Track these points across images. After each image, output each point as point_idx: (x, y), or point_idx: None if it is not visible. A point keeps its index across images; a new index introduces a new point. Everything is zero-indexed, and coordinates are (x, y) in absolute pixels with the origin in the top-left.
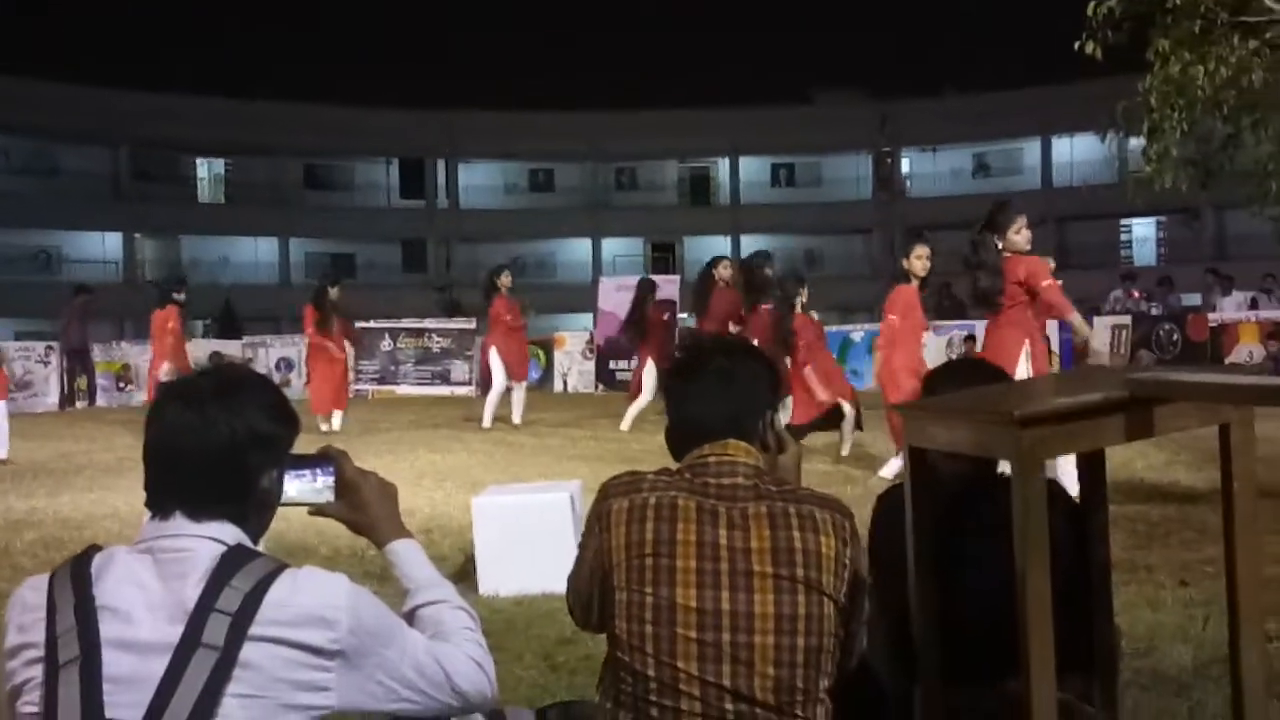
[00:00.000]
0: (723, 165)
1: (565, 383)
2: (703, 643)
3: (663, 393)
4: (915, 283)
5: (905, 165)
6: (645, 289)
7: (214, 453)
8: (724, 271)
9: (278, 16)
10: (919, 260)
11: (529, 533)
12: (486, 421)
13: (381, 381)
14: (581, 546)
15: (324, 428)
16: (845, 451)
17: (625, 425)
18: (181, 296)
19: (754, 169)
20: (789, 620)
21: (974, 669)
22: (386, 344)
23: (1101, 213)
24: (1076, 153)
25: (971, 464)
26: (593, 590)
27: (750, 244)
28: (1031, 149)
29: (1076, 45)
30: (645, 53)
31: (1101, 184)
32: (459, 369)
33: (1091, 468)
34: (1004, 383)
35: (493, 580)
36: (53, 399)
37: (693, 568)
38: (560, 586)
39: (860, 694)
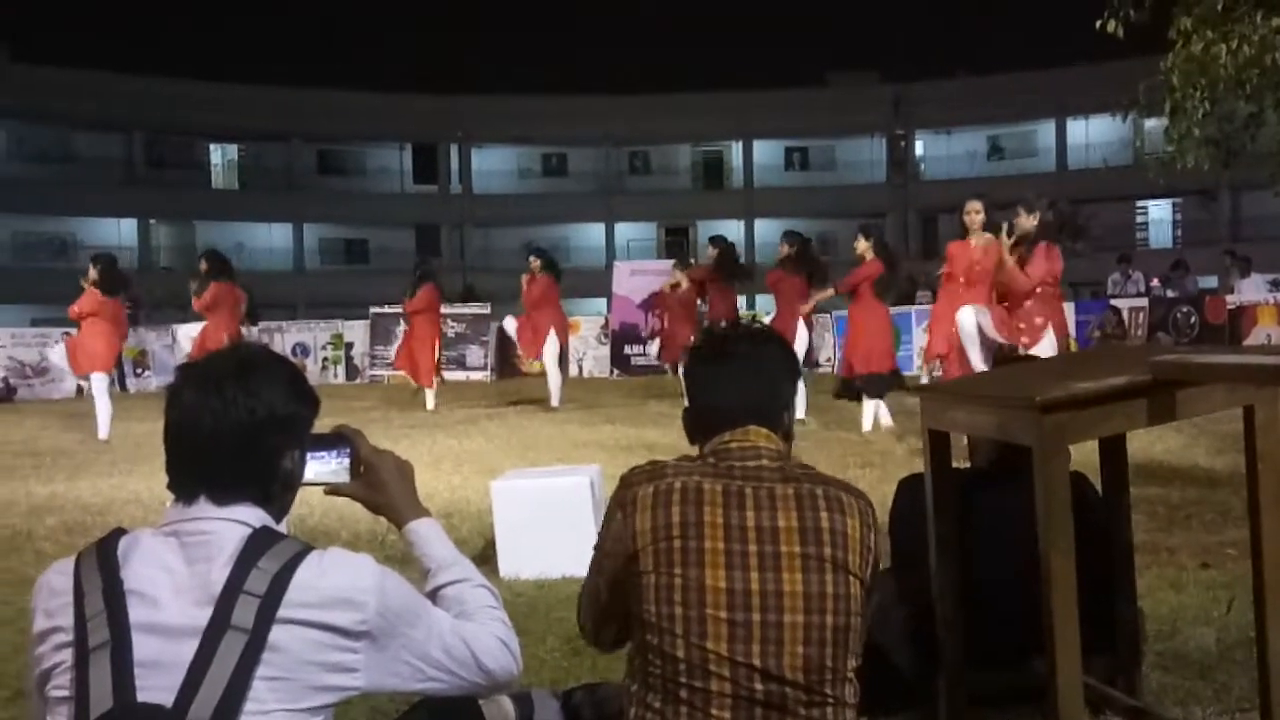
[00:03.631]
0: (736, 149)
1: (580, 367)
2: (733, 623)
3: (685, 376)
4: (971, 238)
5: (919, 148)
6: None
7: (234, 435)
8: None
9: (291, 2)
10: (967, 215)
11: (549, 517)
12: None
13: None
14: (599, 541)
15: (430, 405)
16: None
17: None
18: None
19: (767, 152)
20: (818, 599)
21: (997, 652)
22: (402, 329)
23: (1117, 195)
24: (1092, 134)
25: (998, 444)
26: (613, 581)
27: (763, 228)
28: (1046, 131)
29: (1098, 24)
30: (658, 36)
31: (1118, 165)
32: (474, 354)
33: (1113, 451)
34: (1025, 365)
35: (513, 564)
36: (70, 385)
37: (721, 549)
38: (581, 570)
39: (877, 679)
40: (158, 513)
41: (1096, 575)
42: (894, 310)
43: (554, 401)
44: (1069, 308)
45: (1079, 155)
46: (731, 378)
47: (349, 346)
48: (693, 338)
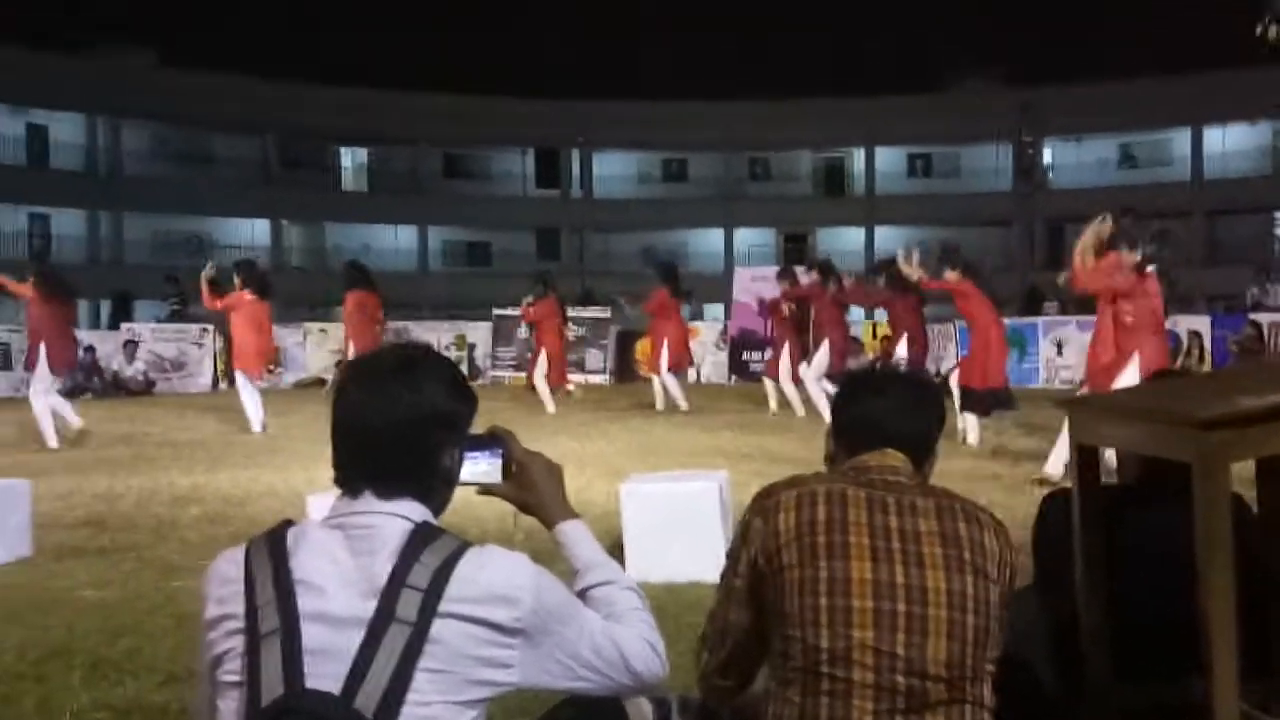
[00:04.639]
0: (858, 155)
1: (699, 373)
2: (878, 611)
3: (843, 398)
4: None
5: (1047, 155)
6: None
7: (398, 430)
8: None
9: (419, 9)
10: None
11: (677, 521)
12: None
13: (518, 369)
14: (730, 561)
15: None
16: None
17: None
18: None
19: (890, 159)
20: (959, 596)
21: (1144, 670)
22: (523, 332)
23: (1256, 205)
24: (1229, 143)
25: (1146, 460)
26: (750, 593)
27: (884, 236)
28: (1181, 139)
29: (1258, 30)
30: (778, 41)
31: (1258, 175)
32: (594, 357)
33: (1272, 471)
34: (1180, 380)
35: (641, 567)
36: (205, 380)
37: (866, 544)
38: (708, 575)
39: (1020, 694)
40: (294, 504)
41: (1251, 597)
42: (1019, 321)
43: (680, 405)
44: (1204, 321)
45: (1216, 164)
46: (896, 410)
47: (472, 348)
48: (786, 349)
